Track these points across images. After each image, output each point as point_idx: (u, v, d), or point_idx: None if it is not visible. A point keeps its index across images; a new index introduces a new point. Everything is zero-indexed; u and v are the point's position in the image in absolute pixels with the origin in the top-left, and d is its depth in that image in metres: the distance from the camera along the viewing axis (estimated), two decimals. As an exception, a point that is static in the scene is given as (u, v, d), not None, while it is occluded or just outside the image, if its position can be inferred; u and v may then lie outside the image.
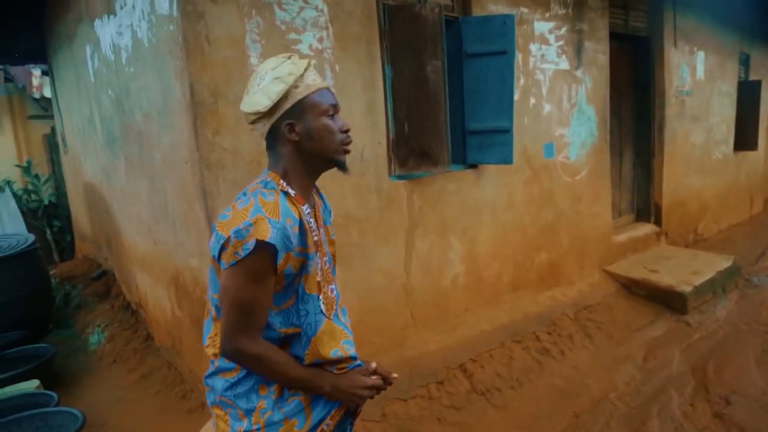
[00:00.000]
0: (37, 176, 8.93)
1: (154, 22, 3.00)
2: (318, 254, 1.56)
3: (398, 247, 3.44)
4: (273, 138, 1.52)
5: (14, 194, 8.66)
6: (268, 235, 1.33)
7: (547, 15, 4.33)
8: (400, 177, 3.45)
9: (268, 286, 1.41)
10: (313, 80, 1.51)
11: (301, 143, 1.48)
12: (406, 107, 3.35)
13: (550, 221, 4.52)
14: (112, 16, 3.62)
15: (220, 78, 2.78)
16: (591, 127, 4.88)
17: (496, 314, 3.95)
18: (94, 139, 5.03)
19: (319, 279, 1.55)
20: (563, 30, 4.48)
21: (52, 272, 7.09)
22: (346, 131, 1.54)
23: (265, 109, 1.46)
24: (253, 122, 1.53)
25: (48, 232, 8.52)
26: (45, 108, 9.72)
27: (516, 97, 4.04)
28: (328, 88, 1.55)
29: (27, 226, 8.29)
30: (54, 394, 3.40)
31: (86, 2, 4.18)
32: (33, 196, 8.69)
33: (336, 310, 1.68)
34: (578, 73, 4.68)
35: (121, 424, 3.29)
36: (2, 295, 4.87)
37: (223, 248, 1.35)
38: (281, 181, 1.49)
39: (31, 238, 5.48)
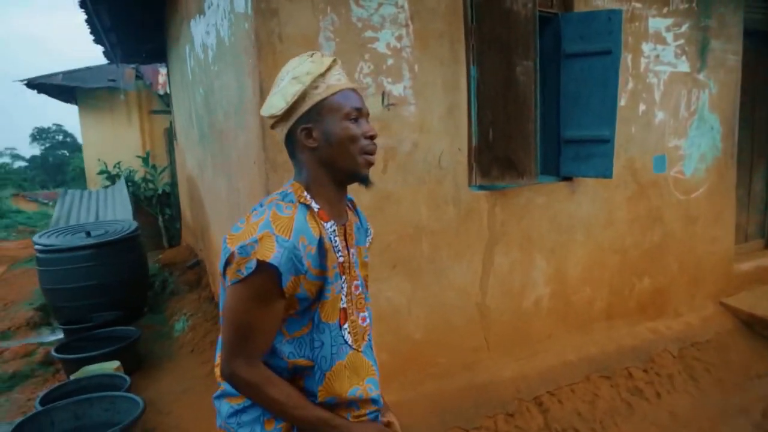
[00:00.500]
0: (154, 166, 9.57)
1: (233, 21, 2.96)
2: (345, 278, 1.37)
3: (475, 263, 3.17)
4: (291, 144, 1.36)
5: (134, 182, 9.34)
6: (271, 255, 1.17)
7: (665, 10, 3.82)
8: (481, 187, 3.18)
9: (273, 310, 1.25)
10: (337, 80, 1.34)
11: (320, 150, 1.31)
12: (492, 111, 3.07)
13: (657, 243, 4.01)
14: (202, 16, 3.66)
15: (292, 77, 2.68)
16: (714, 138, 4.27)
17: (583, 343, 3.55)
18: (192, 135, 5.21)
19: (344, 306, 1.38)
20: (684, 27, 3.94)
21: (157, 258, 7.56)
22: (371, 137, 1.35)
23: (280, 112, 1.31)
24: (272, 127, 1.39)
25: (160, 219, 9.10)
26: (167, 103, 10.40)
27: (622, 102, 3.60)
28: (353, 90, 1.37)
29: (142, 212, 8.89)
30: (127, 378, 3.51)
31: (186, 4, 4.30)
32: (150, 185, 9.32)
33: (367, 341, 1.49)
34: (701, 76, 4.10)
35: (183, 416, 3.31)
36: (105, 277, 5.19)
37: (227, 263, 1.22)
38: (304, 193, 1.32)
39: (134, 224, 5.81)
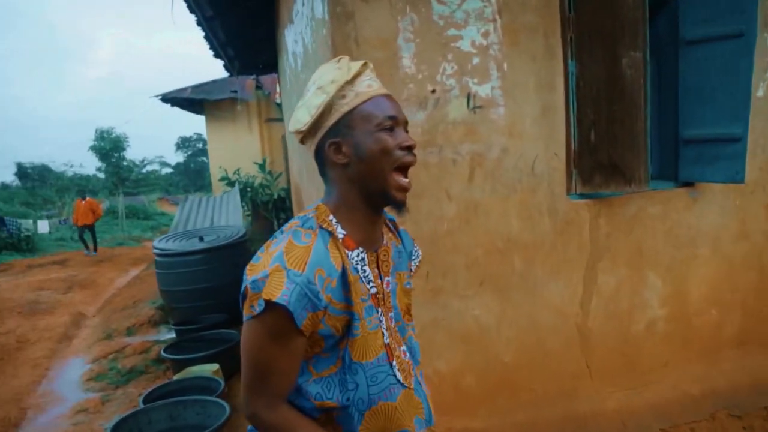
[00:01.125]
0: (270, 172, 9.99)
1: (314, 27, 2.90)
2: (381, 311, 1.23)
3: (574, 280, 2.84)
4: (321, 161, 1.23)
5: (252, 188, 9.83)
6: (279, 293, 1.04)
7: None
8: (582, 196, 2.84)
9: (291, 349, 1.12)
10: (368, 87, 1.19)
11: (351, 166, 1.17)
12: (594, 111, 2.73)
13: (807, 259, 3.38)
14: (292, 25, 3.67)
15: (369, 83, 2.55)
16: None
17: (708, 375, 3.07)
18: (294, 142, 5.31)
19: (388, 341, 1.23)
20: None
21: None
22: (408, 147, 1.18)
23: (305, 127, 1.19)
24: (301, 142, 1.27)
25: (275, 223, 9.48)
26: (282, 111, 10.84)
27: (759, 93, 3.07)
28: (387, 96, 1.21)
29: (259, 217, 9.31)
30: (221, 382, 3.59)
31: (282, 14, 4.36)
32: (266, 191, 9.75)
33: (414, 376, 1.33)
34: None
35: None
36: (214, 280, 5.44)
37: (243, 297, 1.12)
38: (329, 216, 1.19)
39: (243, 230, 6.05)
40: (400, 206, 1.20)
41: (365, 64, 1.24)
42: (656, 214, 2.97)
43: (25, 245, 16.11)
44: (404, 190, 1.20)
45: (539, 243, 2.77)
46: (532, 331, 2.80)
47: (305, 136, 1.25)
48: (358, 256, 1.19)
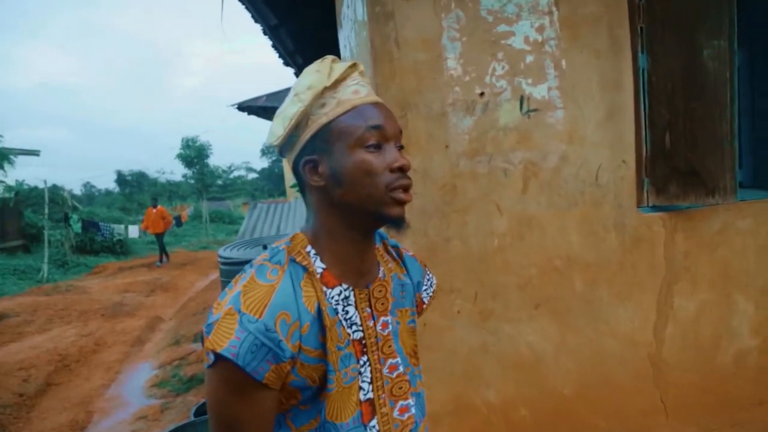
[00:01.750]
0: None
1: (357, 30, 2.74)
2: (370, 358, 1.05)
3: (645, 305, 2.50)
4: (299, 181, 1.06)
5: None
6: (226, 343, 0.88)
7: None
8: (655, 208, 2.50)
9: (259, 403, 0.95)
10: (354, 93, 1.00)
11: (328, 190, 0.99)
12: (669, 110, 2.39)
13: None
14: (341, 29, 3.54)
15: (410, 86, 2.36)
16: None
17: (815, 418, 2.61)
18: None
19: (369, 396, 1.04)
20: None
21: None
22: (399, 169, 0.98)
23: (278, 141, 1.02)
24: (280, 154, 1.10)
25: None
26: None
27: None
28: (375, 104, 1.01)
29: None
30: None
31: (338, 19, 4.24)
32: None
33: None
34: None
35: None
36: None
37: (202, 340, 0.97)
38: (307, 248, 1.02)
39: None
40: (399, 223, 1.00)
41: (353, 65, 1.04)
42: (746, 229, 2.56)
43: (119, 248, 17.16)
44: (402, 203, 0.99)
45: (604, 262, 2.46)
46: (596, 361, 2.48)
47: (281, 151, 1.08)
48: (340, 294, 1.01)
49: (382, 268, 1.13)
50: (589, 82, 2.40)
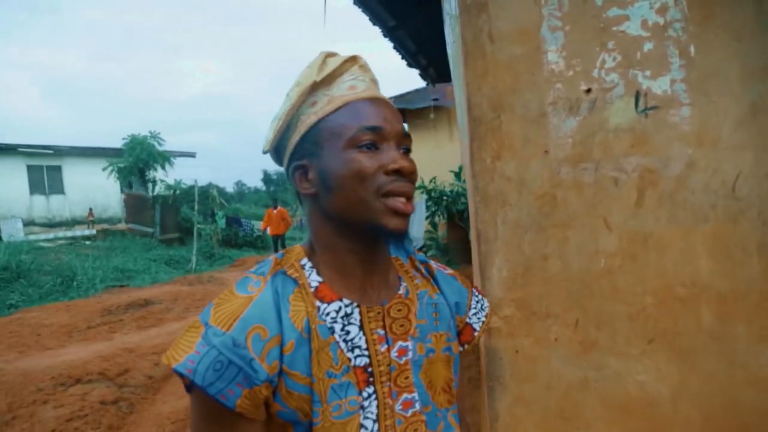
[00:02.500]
0: (465, 181, 9.74)
1: (451, 25, 2.54)
2: (378, 391, 0.89)
3: (799, 346, 2.01)
4: (295, 190, 0.98)
5: (447, 196, 9.67)
6: (182, 357, 0.79)
7: None
8: (817, 227, 2.00)
9: None
10: (350, 89, 0.89)
11: (320, 197, 0.89)
12: (839, 106, 1.89)
13: None
14: (445, 27, 3.33)
15: (505, 85, 2.11)
16: None
17: None
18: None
19: None
20: None
21: (464, 272, 7.60)
22: (395, 171, 0.86)
23: (268, 147, 0.95)
24: (278, 163, 1.02)
25: (468, 233, 9.18)
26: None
27: None
28: (372, 100, 0.90)
29: (454, 226, 9.11)
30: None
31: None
32: (462, 199, 9.50)
33: None
34: None
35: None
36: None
37: None
38: (303, 260, 0.92)
39: (420, 242, 5.86)
40: (396, 237, 0.87)
41: (352, 59, 0.93)
42: None
43: (259, 243, 18.40)
44: (400, 214, 0.86)
45: (742, 292, 2.01)
46: (730, 411, 2.04)
47: (276, 158, 0.97)
48: (339, 311, 0.88)
49: (404, 284, 0.98)
50: (726, 72, 1.97)
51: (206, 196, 17.59)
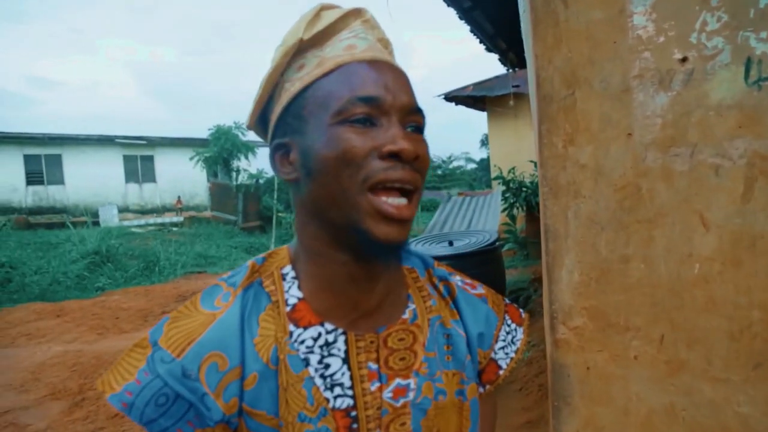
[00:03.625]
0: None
1: (521, -10, 2.23)
2: None
3: None
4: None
5: (527, 187, 9.21)
6: (119, 388, 0.64)
7: None
8: None
9: None
10: (347, 48, 0.69)
11: (301, 186, 0.70)
12: None
13: None
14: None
15: (581, 56, 1.80)
16: None
17: None
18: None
19: None
20: None
21: (536, 269, 7.18)
22: (391, 154, 0.65)
23: (249, 122, 0.77)
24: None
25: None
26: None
27: None
28: (372, 62, 0.69)
29: (532, 219, 8.67)
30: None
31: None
32: (542, 190, 9.01)
33: None
34: None
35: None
36: (457, 289, 5.09)
37: None
38: (285, 269, 0.74)
39: (494, 236, 5.54)
40: (386, 250, 0.68)
41: (355, 11, 0.73)
42: None
43: (335, 234, 18.66)
44: (391, 218, 0.66)
45: None
46: None
47: (261, 136, 0.77)
48: (318, 338, 0.70)
49: (412, 306, 0.79)
50: None
51: (285, 186, 18.00)
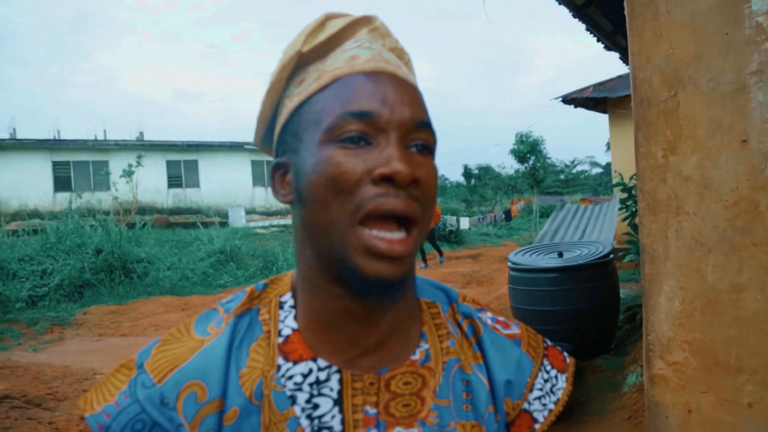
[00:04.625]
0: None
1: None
2: None
3: None
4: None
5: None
6: (98, 408, 0.63)
7: None
8: None
9: None
10: (350, 60, 0.63)
11: (297, 210, 0.65)
12: None
13: None
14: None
15: (685, 51, 1.58)
16: None
17: None
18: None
19: None
20: None
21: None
22: (387, 177, 0.57)
23: (254, 139, 0.75)
24: None
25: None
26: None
27: None
28: (373, 74, 0.62)
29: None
30: None
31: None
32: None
33: None
34: None
35: None
36: (566, 303, 4.78)
37: None
38: (285, 296, 0.69)
39: (609, 247, 5.11)
40: (376, 287, 0.60)
41: (363, 20, 0.68)
42: None
43: (453, 238, 18.38)
44: (382, 255, 0.58)
45: None
46: None
47: (268, 153, 0.75)
48: (307, 375, 0.64)
49: (425, 346, 0.69)
50: None
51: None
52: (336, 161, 0.57)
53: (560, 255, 5.15)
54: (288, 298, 0.68)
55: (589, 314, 4.74)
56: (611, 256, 5.03)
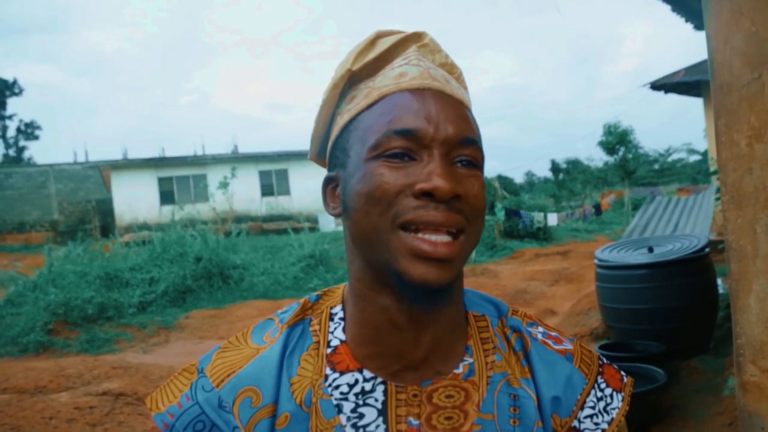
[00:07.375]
0: None
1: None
2: None
3: None
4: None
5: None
6: (164, 408, 0.68)
7: None
8: None
9: None
10: (398, 77, 0.66)
11: (344, 222, 0.70)
12: None
13: None
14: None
15: None
16: None
17: None
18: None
19: None
20: None
21: None
22: (427, 193, 0.59)
23: (310, 156, 0.80)
24: None
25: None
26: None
27: None
28: (417, 90, 0.65)
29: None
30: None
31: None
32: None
33: None
34: None
35: None
36: (658, 301, 4.54)
37: None
38: (336, 308, 0.73)
39: (703, 242, 4.77)
40: (422, 292, 0.61)
41: (413, 36, 0.71)
42: None
43: (541, 234, 17.89)
44: (427, 258, 0.59)
45: None
46: None
47: (322, 166, 0.80)
48: (355, 385, 0.67)
49: (469, 360, 0.70)
50: None
51: (489, 188, 17.87)
52: (379, 173, 0.60)
53: (650, 250, 4.89)
54: (338, 310, 0.71)
55: (682, 312, 4.45)
56: (707, 249, 4.69)
